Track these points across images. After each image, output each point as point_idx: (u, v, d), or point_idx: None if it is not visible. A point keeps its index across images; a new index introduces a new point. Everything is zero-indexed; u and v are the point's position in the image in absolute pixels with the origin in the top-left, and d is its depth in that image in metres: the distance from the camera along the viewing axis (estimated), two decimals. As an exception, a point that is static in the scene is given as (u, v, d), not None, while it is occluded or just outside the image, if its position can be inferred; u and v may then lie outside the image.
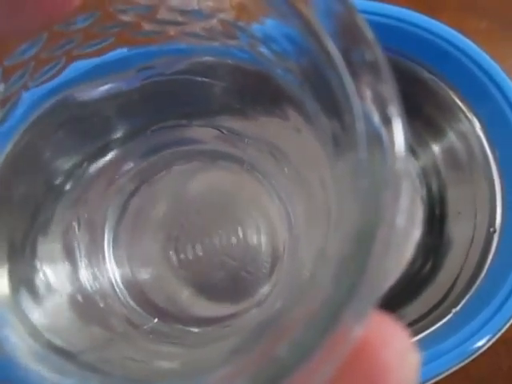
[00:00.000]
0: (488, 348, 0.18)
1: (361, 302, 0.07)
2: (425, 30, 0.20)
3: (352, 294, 0.07)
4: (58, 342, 0.11)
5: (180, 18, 0.10)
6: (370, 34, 0.07)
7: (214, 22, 0.10)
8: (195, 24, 0.10)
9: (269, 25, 0.09)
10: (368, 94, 0.07)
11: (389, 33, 0.20)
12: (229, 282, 0.20)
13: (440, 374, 0.18)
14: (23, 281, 0.12)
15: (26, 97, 0.11)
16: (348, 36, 0.07)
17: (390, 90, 0.07)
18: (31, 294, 0.12)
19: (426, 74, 0.21)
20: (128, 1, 0.10)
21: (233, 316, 0.19)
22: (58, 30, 0.10)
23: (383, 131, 0.07)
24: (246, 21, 0.09)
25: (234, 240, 0.20)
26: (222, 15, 0.10)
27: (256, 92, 0.12)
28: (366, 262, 0.07)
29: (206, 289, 0.20)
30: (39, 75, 0.11)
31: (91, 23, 0.10)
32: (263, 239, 0.20)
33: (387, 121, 0.07)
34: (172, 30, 0.11)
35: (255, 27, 0.09)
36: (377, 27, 0.21)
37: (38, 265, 0.13)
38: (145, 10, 0.10)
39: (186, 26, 0.11)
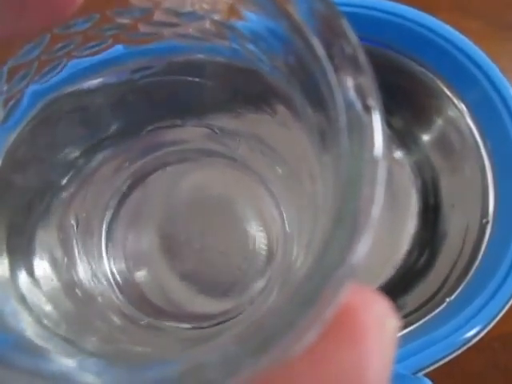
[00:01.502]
0: (484, 344, 0.18)
1: (343, 274, 0.07)
2: (415, 23, 0.20)
3: (334, 267, 0.07)
4: (59, 330, 0.12)
5: (174, 20, 0.11)
6: (349, 30, 0.08)
7: (206, 23, 0.11)
8: (188, 25, 0.11)
9: (257, 24, 0.09)
10: (350, 84, 0.08)
11: (378, 26, 0.20)
12: (223, 280, 0.20)
13: (434, 362, 0.18)
14: (24, 272, 0.13)
15: (28, 95, 0.12)
16: (329, 32, 0.08)
17: (369, 82, 0.08)
18: (32, 285, 0.13)
19: (416, 67, 0.21)
20: (126, 4, 0.10)
21: (226, 312, 0.20)
22: (58, 32, 0.11)
23: (365, 120, 0.08)
24: (235, 20, 0.10)
25: (227, 238, 0.20)
26: (213, 16, 0.11)
27: (247, 90, 0.13)
28: (348, 242, 0.07)
29: (200, 286, 0.20)
30: (41, 75, 0.12)
31: (90, 26, 0.11)
32: (257, 237, 0.20)
33: (367, 111, 0.08)
34: (166, 31, 0.11)
35: (244, 27, 0.10)
36: (367, 21, 0.21)
37: (38, 258, 0.14)
38: (141, 13, 0.11)
39: (179, 27, 0.11)
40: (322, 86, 0.08)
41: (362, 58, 0.08)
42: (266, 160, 0.17)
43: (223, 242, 0.20)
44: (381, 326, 0.07)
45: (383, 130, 0.08)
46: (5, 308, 0.11)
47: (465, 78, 0.20)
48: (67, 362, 0.09)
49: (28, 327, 0.10)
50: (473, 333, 0.18)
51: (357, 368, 0.07)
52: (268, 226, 0.20)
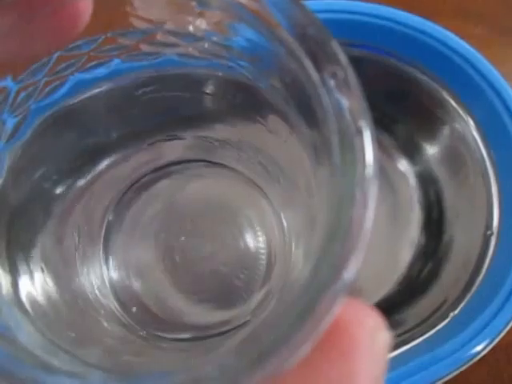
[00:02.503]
0: (488, 355, 0.18)
1: (335, 290, 0.08)
2: (419, 31, 0.20)
3: (328, 282, 0.08)
4: (61, 343, 0.12)
5: (175, 41, 0.11)
6: (340, 53, 0.08)
7: (205, 43, 0.11)
8: (188, 45, 0.11)
9: (254, 44, 0.10)
10: (342, 106, 0.08)
11: (382, 34, 0.20)
12: (222, 290, 0.20)
13: (439, 379, 0.18)
14: (26, 284, 0.13)
15: (32, 112, 0.12)
16: (320, 55, 0.08)
17: (359, 103, 0.08)
18: (34, 297, 0.13)
19: (422, 77, 0.21)
20: (128, 26, 0.11)
21: (226, 323, 0.20)
22: (63, 53, 0.11)
23: (356, 141, 0.08)
24: (233, 40, 0.10)
25: (227, 247, 0.20)
26: (212, 37, 0.11)
27: (245, 103, 0.13)
28: (341, 258, 0.08)
29: (200, 296, 0.20)
30: (45, 93, 0.12)
31: (94, 47, 0.11)
32: (256, 247, 0.20)
33: (359, 132, 0.08)
34: (167, 51, 0.12)
35: (241, 47, 0.10)
36: (371, 29, 0.21)
37: (40, 270, 0.14)
38: (143, 34, 0.11)
39: (180, 47, 0.12)
40: (315, 107, 0.09)
41: (353, 80, 0.08)
42: (264, 170, 0.18)
43: (223, 253, 0.20)
44: (372, 339, 0.07)
45: (374, 149, 0.08)
46: (9, 320, 0.11)
47: (470, 89, 0.20)
48: (70, 375, 0.09)
49: (31, 339, 0.10)
50: (479, 348, 0.18)
51: (347, 380, 0.07)
52: (267, 235, 0.21)
